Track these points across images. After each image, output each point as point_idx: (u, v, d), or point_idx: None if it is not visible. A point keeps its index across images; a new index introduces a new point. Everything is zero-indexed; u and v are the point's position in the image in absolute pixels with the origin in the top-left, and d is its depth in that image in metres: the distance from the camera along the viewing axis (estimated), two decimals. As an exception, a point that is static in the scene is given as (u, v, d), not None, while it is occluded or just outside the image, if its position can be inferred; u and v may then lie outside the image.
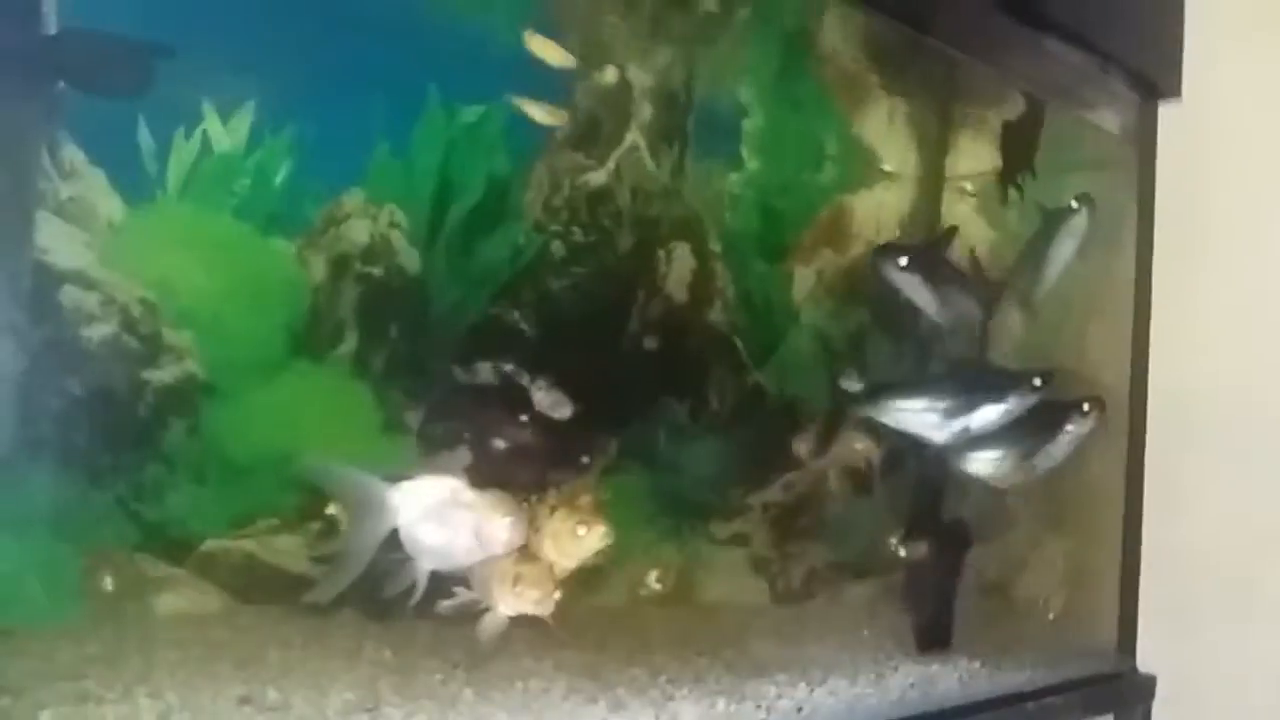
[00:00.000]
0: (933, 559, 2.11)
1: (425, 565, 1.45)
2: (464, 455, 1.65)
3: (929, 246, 2.23)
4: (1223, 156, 2.56)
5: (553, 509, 1.63)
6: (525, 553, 1.57)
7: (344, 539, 1.48)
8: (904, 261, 2.01)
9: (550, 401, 1.81)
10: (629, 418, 2.32)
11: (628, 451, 2.30)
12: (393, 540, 1.45)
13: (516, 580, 1.55)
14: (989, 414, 1.97)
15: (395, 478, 1.45)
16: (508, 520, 1.45)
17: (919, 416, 1.97)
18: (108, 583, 1.69)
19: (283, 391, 1.94)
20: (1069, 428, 2.04)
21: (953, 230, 2.23)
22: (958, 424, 1.96)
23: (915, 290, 2.03)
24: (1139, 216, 2.55)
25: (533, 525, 1.58)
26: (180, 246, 1.87)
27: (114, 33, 1.57)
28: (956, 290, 2.08)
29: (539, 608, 1.55)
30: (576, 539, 1.60)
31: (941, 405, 1.96)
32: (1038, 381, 1.99)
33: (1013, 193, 2.43)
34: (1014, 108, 2.45)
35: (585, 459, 1.96)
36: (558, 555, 1.61)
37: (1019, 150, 2.40)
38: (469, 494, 1.46)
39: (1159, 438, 2.51)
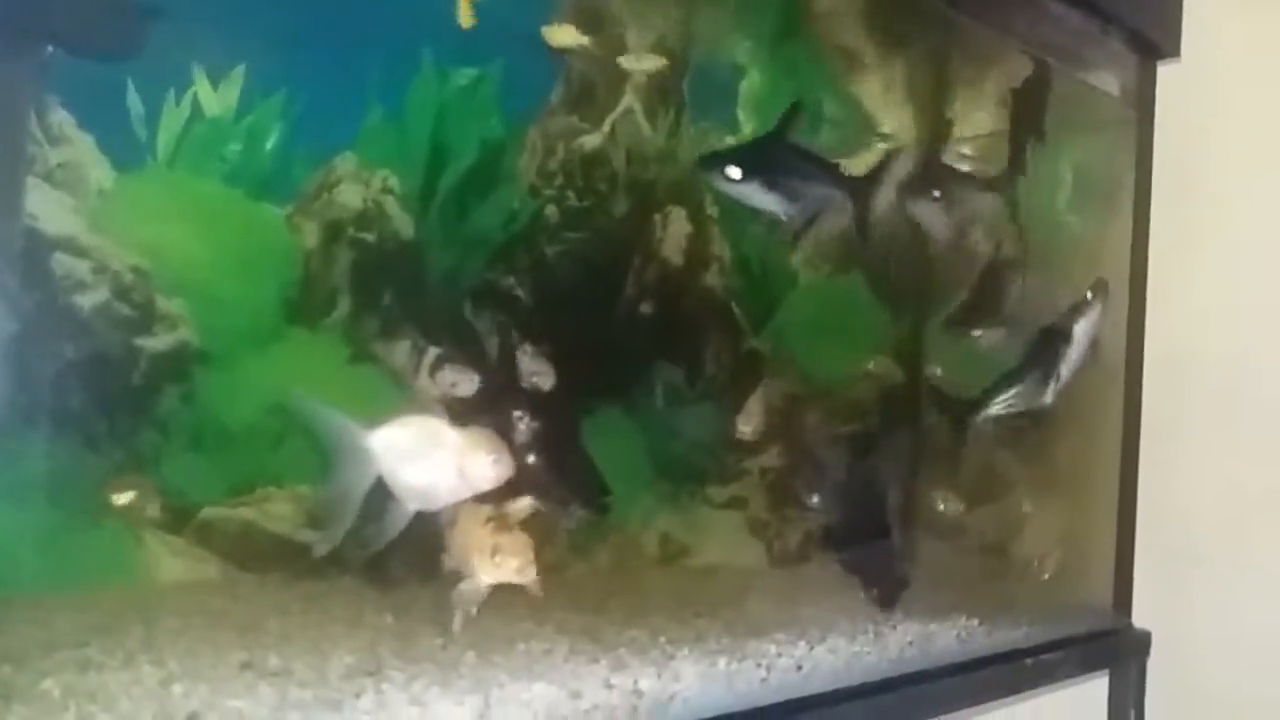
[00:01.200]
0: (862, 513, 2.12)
1: (410, 506, 1.44)
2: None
3: (761, 141, 2.00)
4: (1222, 117, 2.55)
5: None
6: (502, 523, 1.57)
7: (331, 486, 1.46)
8: (736, 173, 1.79)
9: (535, 369, 1.80)
10: (625, 382, 2.32)
11: (625, 416, 2.30)
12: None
13: (495, 551, 1.54)
14: (1076, 351, 2.12)
15: (374, 420, 1.43)
16: (491, 457, 1.44)
17: (1028, 397, 2.12)
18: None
19: (276, 358, 1.93)
20: (1080, 323, 2.13)
21: (795, 109, 1.95)
22: (1057, 383, 2.11)
23: (757, 197, 1.83)
24: (1136, 178, 2.54)
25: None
26: (171, 213, 1.85)
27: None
28: (805, 179, 1.87)
29: (520, 576, 1.54)
30: None
31: (1037, 375, 2.09)
32: (1090, 295, 2.12)
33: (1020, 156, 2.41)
34: (1020, 71, 2.42)
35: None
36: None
37: (1028, 116, 2.37)
38: (450, 432, 1.45)
39: (1154, 398, 2.52)
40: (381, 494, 1.45)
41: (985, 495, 2.54)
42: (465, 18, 1.92)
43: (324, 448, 1.47)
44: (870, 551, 2.05)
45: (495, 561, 1.53)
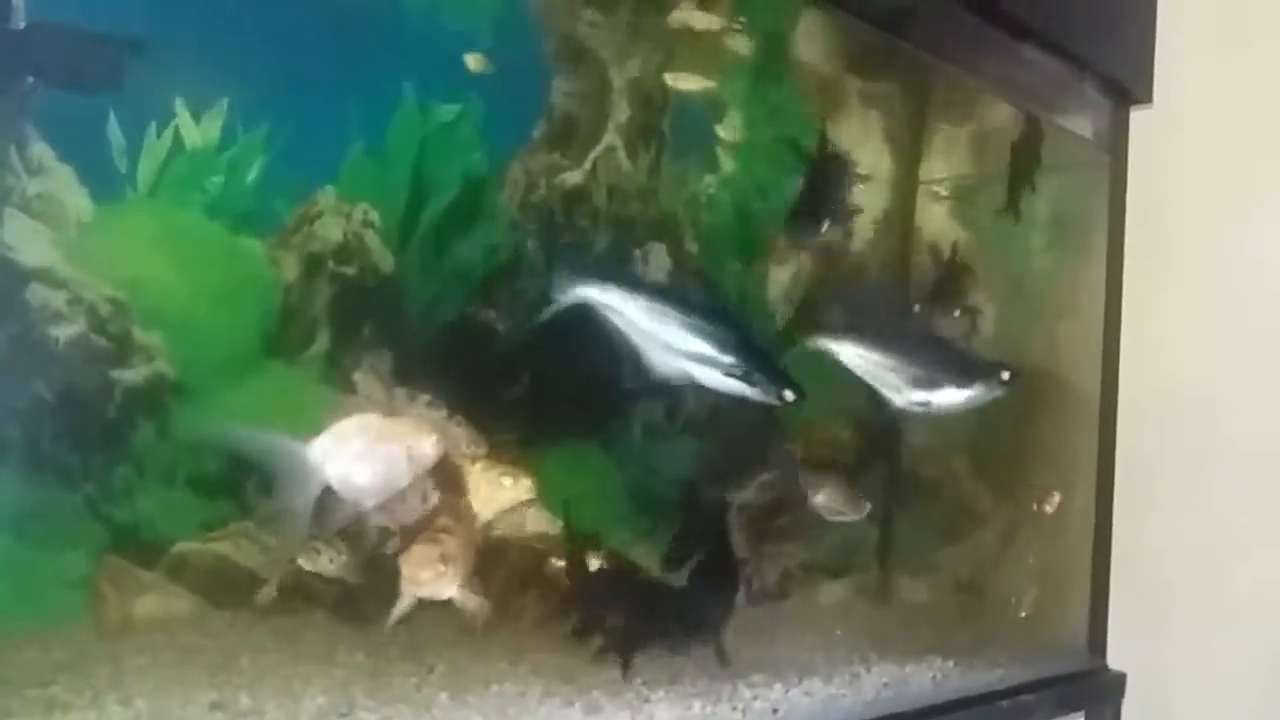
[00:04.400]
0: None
1: (367, 504, 1.46)
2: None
3: None
4: (1192, 161, 2.59)
5: (476, 460, 1.69)
6: (429, 537, 1.58)
7: (278, 503, 1.47)
8: None
9: (469, 437, 1.79)
10: (604, 417, 2.32)
11: (603, 450, 2.29)
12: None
13: (408, 557, 1.56)
14: (952, 397, 1.95)
15: (310, 434, 1.43)
16: (433, 437, 1.48)
17: (885, 373, 1.93)
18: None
19: (254, 391, 1.92)
20: (977, 387, 1.99)
21: None
22: (918, 395, 1.93)
23: None
24: (1110, 219, 2.58)
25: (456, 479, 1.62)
26: (150, 245, 1.85)
27: (86, 28, 1.55)
28: None
29: (419, 588, 1.55)
30: (500, 489, 1.64)
31: (910, 371, 1.93)
32: (1005, 375, 1.97)
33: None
34: (999, 116, 2.46)
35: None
36: (478, 504, 1.64)
37: (1023, 167, 2.41)
38: (387, 424, 1.47)
39: (1129, 438, 2.54)
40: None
41: (959, 531, 2.56)
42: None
43: (266, 470, 1.47)
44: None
45: (407, 570, 1.55)
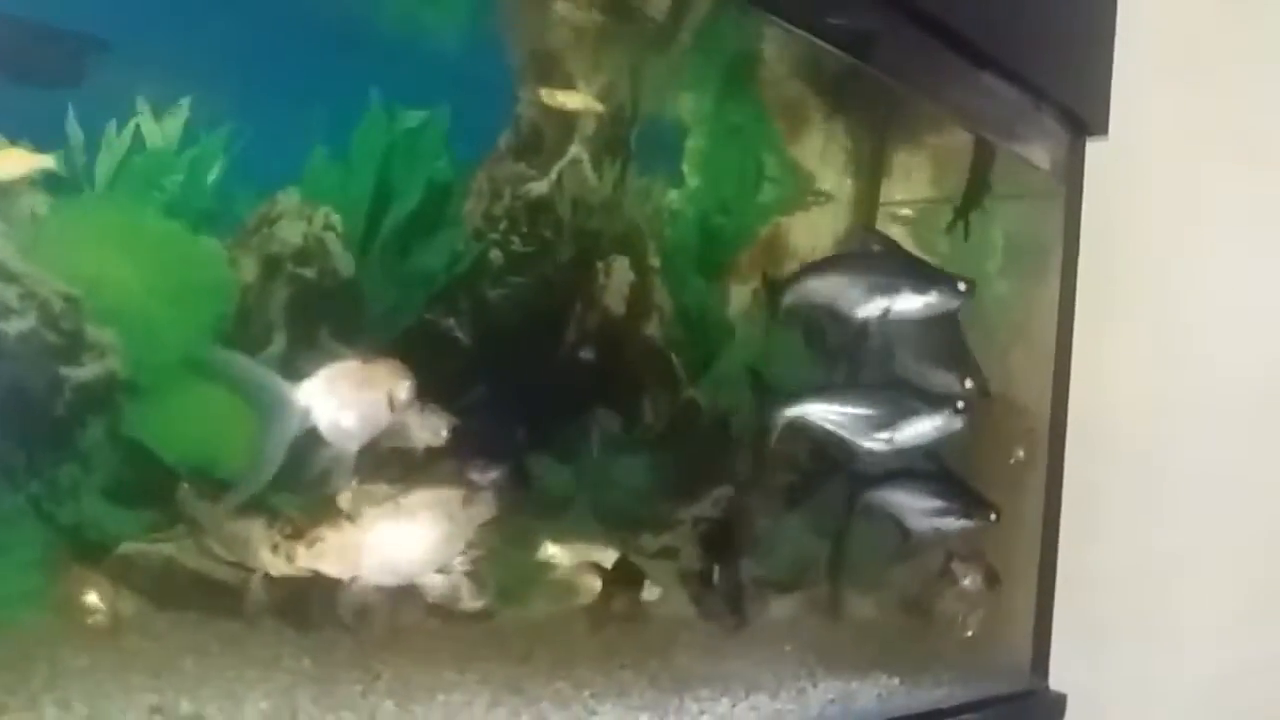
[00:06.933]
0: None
1: (350, 448, 1.51)
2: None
3: None
4: (1147, 193, 2.65)
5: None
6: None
7: (257, 440, 1.50)
8: None
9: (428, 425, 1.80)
10: (562, 428, 2.32)
11: (560, 461, 2.30)
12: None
13: None
14: (916, 429, 2.08)
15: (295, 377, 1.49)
16: (408, 382, 1.55)
17: (849, 421, 2.06)
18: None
19: (208, 392, 1.90)
20: (937, 420, 2.10)
21: None
22: (883, 434, 2.06)
23: None
24: (1064, 249, 2.62)
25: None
26: (106, 242, 1.83)
27: (46, 23, 1.53)
28: None
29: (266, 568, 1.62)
30: None
31: (870, 414, 2.06)
32: (960, 405, 2.08)
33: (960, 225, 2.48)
34: (953, 139, 2.50)
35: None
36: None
37: (974, 188, 2.45)
38: (366, 370, 1.54)
39: (1075, 464, 2.59)
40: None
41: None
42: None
43: (249, 400, 1.51)
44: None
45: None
